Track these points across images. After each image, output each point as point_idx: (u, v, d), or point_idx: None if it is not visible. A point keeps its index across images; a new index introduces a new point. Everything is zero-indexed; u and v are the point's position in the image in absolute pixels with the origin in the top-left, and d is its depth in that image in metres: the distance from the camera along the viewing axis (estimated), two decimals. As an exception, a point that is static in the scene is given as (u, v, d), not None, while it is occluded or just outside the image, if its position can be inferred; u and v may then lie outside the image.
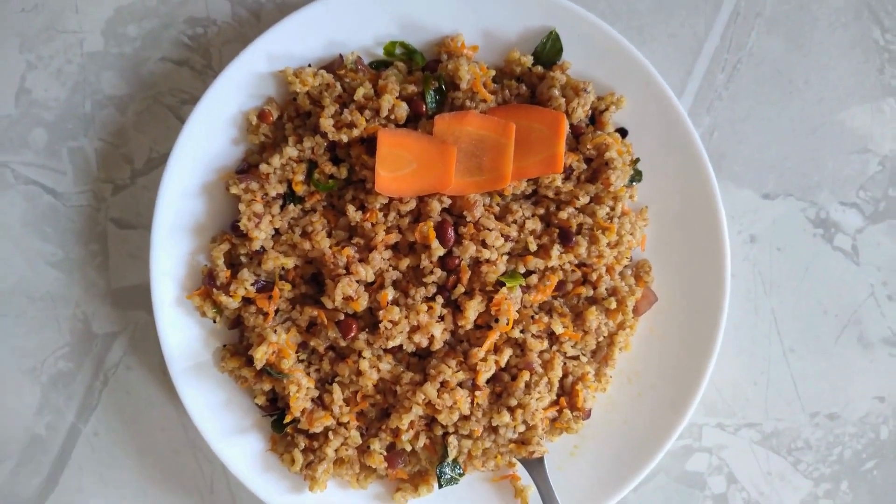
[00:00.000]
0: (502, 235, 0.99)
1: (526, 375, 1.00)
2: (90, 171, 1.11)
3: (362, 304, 0.98)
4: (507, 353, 1.01)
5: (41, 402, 1.10)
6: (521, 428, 1.01)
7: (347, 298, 0.97)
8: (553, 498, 1.00)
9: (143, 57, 1.11)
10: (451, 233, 0.98)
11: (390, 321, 0.97)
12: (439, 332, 0.99)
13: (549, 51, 1.04)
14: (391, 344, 0.97)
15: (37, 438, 1.10)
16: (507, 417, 0.99)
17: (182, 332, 1.02)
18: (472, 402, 1.00)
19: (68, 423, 1.11)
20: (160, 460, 1.10)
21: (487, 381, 1.01)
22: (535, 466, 1.03)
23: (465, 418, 1.00)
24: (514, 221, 1.00)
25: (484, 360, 0.99)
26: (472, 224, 0.99)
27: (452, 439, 1.01)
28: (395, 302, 0.99)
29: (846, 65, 1.15)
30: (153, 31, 1.11)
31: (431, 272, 0.99)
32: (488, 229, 0.98)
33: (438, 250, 0.98)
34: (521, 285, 1.00)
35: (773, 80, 1.15)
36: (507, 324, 0.99)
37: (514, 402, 1.00)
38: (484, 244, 0.98)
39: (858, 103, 1.15)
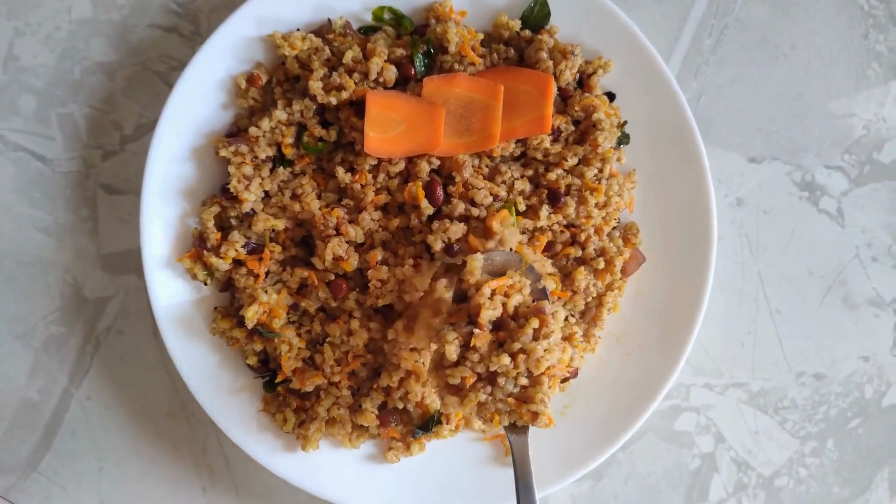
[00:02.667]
0: (491, 194, 0.99)
1: (535, 322, 0.90)
2: (79, 138, 1.11)
3: (352, 264, 0.99)
4: (517, 297, 0.93)
5: (33, 367, 1.11)
6: (524, 380, 0.90)
7: (337, 259, 0.98)
8: (528, 471, 0.94)
9: (131, 23, 1.11)
10: (439, 192, 0.99)
11: (379, 280, 0.98)
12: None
13: (536, 15, 1.05)
14: (381, 303, 0.98)
15: (29, 403, 1.11)
16: (506, 360, 0.89)
17: (173, 295, 1.02)
18: (467, 345, 0.91)
19: (61, 387, 1.11)
20: (153, 423, 1.11)
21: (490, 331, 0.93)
22: (519, 431, 0.96)
23: (455, 364, 0.92)
24: (503, 182, 1.01)
25: (490, 298, 0.92)
26: (461, 183, 0.99)
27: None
28: (385, 262, 1.00)
29: (832, 30, 1.16)
30: (141, -2, 1.11)
31: (420, 231, 1.00)
32: (477, 188, 0.99)
33: (428, 209, 0.98)
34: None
35: (760, 45, 1.16)
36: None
37: (517, 347, 0.89)
38: (473, 203, 0.99)
39: (844, 68, 1.16)
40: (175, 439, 1.11)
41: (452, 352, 0.90)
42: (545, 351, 0.89)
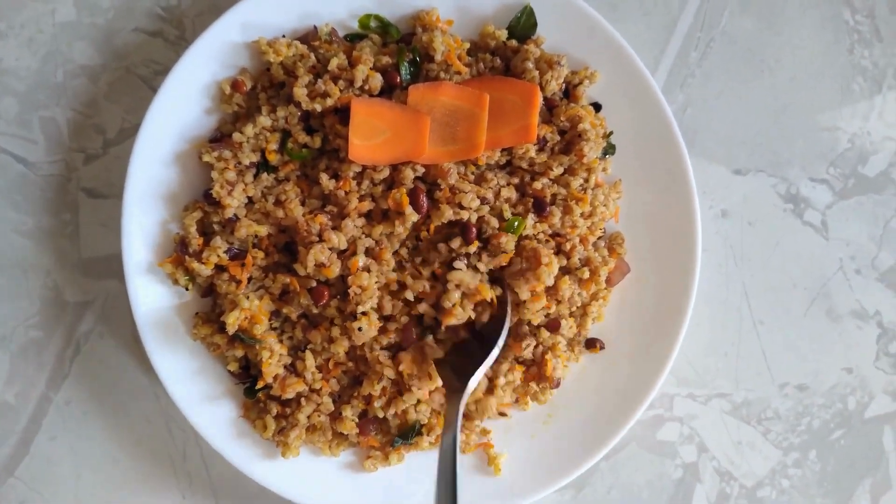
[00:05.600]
0: (478, 197, 0.99)
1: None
2: (62, 141, 1.10)
3: (334, 270, 0.98)
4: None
5: (11, 371, 1.09)
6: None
7: (320, 265, 0.98)
8: (455, 428, 0.92)
9: (115, 27, 1.10)
10: (423, 199, 0.99)
11: (359, 286, 0.97)
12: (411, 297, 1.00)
13: (523, 25, 1.05)
14: (361, 310, 0.98)
15: (6, 406, 1.09)
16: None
17: (154, 300, 1.02)
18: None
19: (39, 391, 1.10)
20: (132, 429, 1.10)
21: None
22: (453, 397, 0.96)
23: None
24: (490, 189, 1.01)
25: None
26: (448, 188, 0.99)
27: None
28: (367, 269, 0.99)
29: (817, 44, 1.17)
30: (127, 2, 1.10)
31: (405, 240, 1.00)
32: (464, 192, 0.99)
33: (412, 216, 0.98)
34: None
35: (746, 58, 1.16)
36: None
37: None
38: (461, 206, 0.99)
39: (829, 82, 1.17)
40: (154, 445, 1.10)
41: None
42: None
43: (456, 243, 0.99)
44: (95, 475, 1.10)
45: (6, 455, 1.09)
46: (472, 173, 1.02)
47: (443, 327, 1.00)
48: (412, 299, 1.01)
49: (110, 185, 1.10)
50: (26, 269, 1.09)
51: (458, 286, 0.98)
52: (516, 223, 1.00)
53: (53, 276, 1.09)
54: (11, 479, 1.09)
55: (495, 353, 0.99)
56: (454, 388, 0.97)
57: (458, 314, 0.98)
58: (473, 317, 0.99)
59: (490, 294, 0.99)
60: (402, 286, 1.01)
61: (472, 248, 0.99)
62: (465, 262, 1.00)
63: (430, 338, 1.02)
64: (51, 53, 1.10)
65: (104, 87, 1.10)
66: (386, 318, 1.02)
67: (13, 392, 1.09)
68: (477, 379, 0.97)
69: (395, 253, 1.01)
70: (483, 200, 1.00)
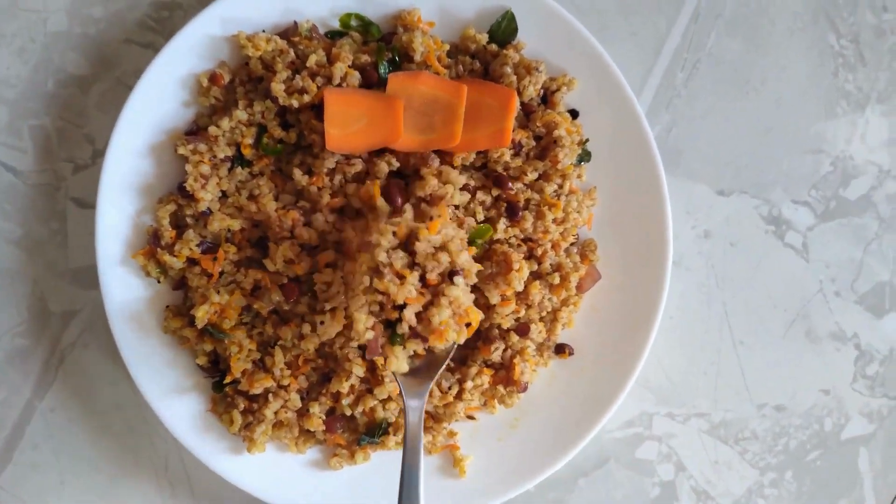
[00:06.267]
0: (461, 189, 1.01)
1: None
2: (51, 150, 1.11)
3: (304, 267, 0.99)
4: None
5: (-4, 379, 1.10)
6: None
7: (289, 262, 0.99)
8: (418, 448, 0.94)
9: (107, 38, 1.11)
10: (397, 192, 0.99)
11: (325, 283, 0.98)
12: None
13: (504, 30, 1.06)
14: (329, 306, 0.98)
15: (-9, 415, 1.11)
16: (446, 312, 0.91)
17: (126, 291, 1.02)
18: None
19: (24, 399, 1.11)
20: (116, 438, 1.11)
21: None
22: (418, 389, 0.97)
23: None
24: (466, 188, 1.02)
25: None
26: (434, 168, 1.00)
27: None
28: (333, 264, 1.00)
29: (802, 67, 1.18)
30: (118, 13, 1.11)
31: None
32: (448, 172, 1.00)
33: (384, 209, 0.99)
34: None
35: (731, 79, 1.17)
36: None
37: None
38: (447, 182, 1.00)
39: (813, 105, 1.18)
40: (137, 455, 1.11)
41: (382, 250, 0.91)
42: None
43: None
44: (78, 482, 1.10)
45: (-10, 461, 1.11)
46: (451, 169, 1.03)
47: (425, 347, 0.94)
48: (391, 305, 0.92)
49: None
50: (14, 278, 1.10)
51: (450, 303, 0.93)
52: (481, 232, 1.01)
53: (41, 285, 1.10)
54: (-5, 484, 1.10)
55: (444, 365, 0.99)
56: (413, 394, 0.98)
57: (448, 335, 0.92)
58: (459, 343, 0.94)
59: (476, 319, 0.95)
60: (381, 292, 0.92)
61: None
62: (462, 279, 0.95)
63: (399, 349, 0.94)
64: (42, 63, 1.10)
65: (94, 98, 1.11)
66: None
67: (-2, 399, 1.11)
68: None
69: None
70: (465, 187, 1.01)
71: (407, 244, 0.93)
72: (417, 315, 0.91)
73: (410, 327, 0.91)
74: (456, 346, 0.97)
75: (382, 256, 0.90)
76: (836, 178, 1.18)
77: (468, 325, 0.94)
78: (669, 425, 1.15)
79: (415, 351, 0.94)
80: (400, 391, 0.98)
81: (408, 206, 0.99)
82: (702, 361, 1.16)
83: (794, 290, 1.17)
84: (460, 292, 0.92)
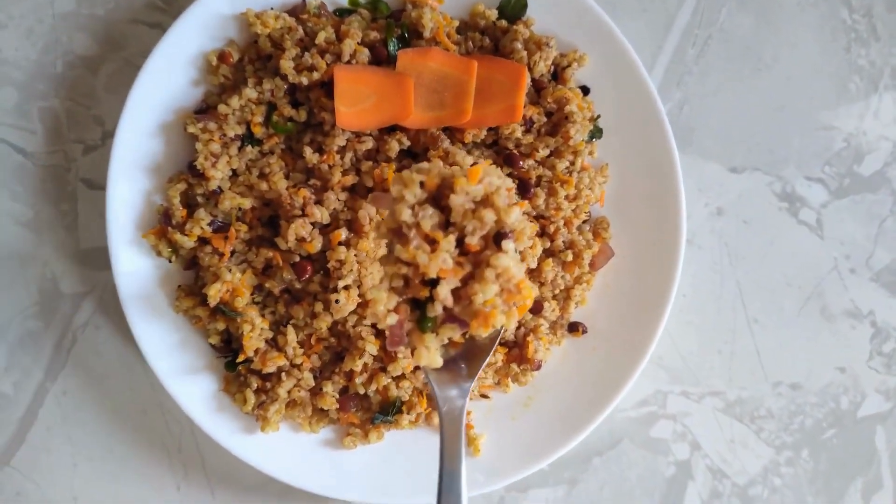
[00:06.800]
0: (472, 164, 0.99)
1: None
2: (60, 132, 1.10)
3: (316, 245, 0.98)
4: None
5: (8, 361, 1.10)
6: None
7: (301, 240, 0.98)
8: (459, 452, 0.79)
9: (114, 18, 1.10)
10: None
11: (338, 261, 0.97)
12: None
13: (513, 6, 1.05)
14: (342, 284, 0.97)
15: (3, 396, 1.10)
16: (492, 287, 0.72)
17: (137, 272, 1.02)
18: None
19: (36, 381, 1.10)
20: (128, 420, 1.10)
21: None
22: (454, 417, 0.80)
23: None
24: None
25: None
26: (442, 149, 0.99)
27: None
28: (346, 243, 0.99)
29: (814, 43, 1.17)
30: (127, -7, 1.11)
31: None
32: (456, 154, 0.99)
33: None
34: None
35: (743, 56, 1.16)
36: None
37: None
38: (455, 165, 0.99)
39: (825, 81, 1.17)
40: (150, 436, 1.10)
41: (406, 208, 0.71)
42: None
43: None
44: (91, 465, 1.10)
45: (2, 444, 1.10)
46: (459, 149, 1.02)
47: (467, 335, 0.75)
48: (419, 279, 0.73)
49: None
50: (25, 260, 1.10)
51: (498, 276, 0.72)
52: None
53: (51, 267, 1.10)
54: (7, 468, 1.10)
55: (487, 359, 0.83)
56: (447, 396, 0.81)
57: (495, 319, 0.71)
58: (508, 330, 0.76)
59: (531, 296, 0.74)
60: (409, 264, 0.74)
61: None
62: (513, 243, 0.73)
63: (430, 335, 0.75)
64: (50, 44, 1.10)
65: (103, 78, 1.10)
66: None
67: (10, 382, 1.10)
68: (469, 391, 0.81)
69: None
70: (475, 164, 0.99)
71: (439, 198, 0.73)
72: (454, 292, 0.71)
73: (445, 308, 0.70)
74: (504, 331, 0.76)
75: (406, 214, 0.71)
76: (849, 155, 1.17)
77: (519, 304, 0.74)
78: (684, 404, 1.15)
79: (449, 339, 0.74)
80: (431, 388, 0.78)
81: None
82: (716, 340, 1.15)
83: (809, 268, 1.16)
84: (510, 261, 0.71)
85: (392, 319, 0.71)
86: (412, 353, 0.73)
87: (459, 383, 0.80)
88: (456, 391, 0.79)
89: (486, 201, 0.71)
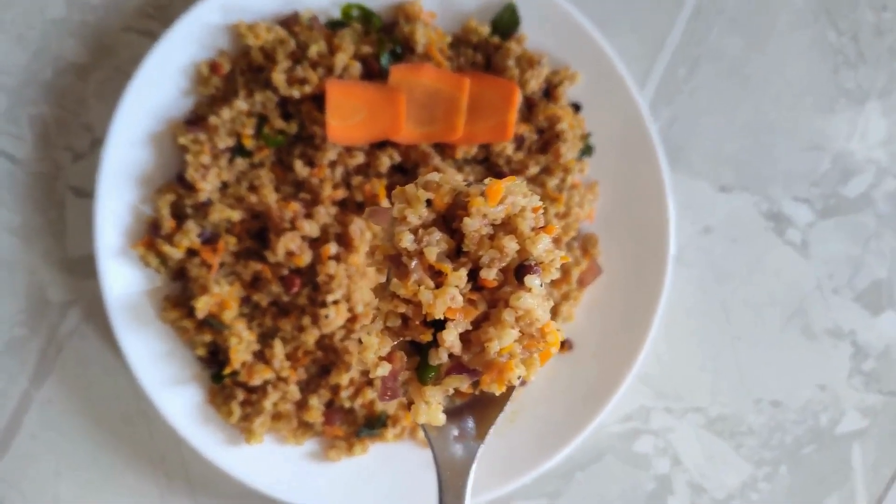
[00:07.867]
0: (463, 181, 1.00)
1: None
2: (50, 139, 1.10)
3: (305, 259, 0.99)
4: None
5: (-7, 369, 1.10)
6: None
7: (290, 254, 0.98)
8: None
9: (105, 25, 1.10)
10: None
11: (327, 275, 0.98)
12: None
13: (506, 22, 1.06)
14: (331, 298, 0.98)
15: (-12, 405, 1.10)
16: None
17: (125, 282, 1.02)
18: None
19: (21, 389, 1.10)
20: (113, 429, 1.10)
21: None
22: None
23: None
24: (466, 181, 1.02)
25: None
26: (433, 167, 1.00)
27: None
28: (336, 257, 0.99)
29: (803, 65, 1.18)
30: (117, 0, 1.10)
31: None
32: (446, 171, 1.00)
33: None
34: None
35: (732, 76, 1.17)
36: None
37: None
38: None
39: (813, 102, 1.18)
40: (135, 446, 1.10)
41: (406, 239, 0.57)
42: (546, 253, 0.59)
43: None
44: (75, 474, 1.10)
45: (-13, 451, 1.10)
46: (450, 166, 1.03)
47: (475, 389, 0.60)
48: (420, 320, 0.59)
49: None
50: (11, 267, 1.09)
51: (518, 319, 0.58)
52: None
53: (39, 275, 1.10)
54: (-9, 474, 1.10)
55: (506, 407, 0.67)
56: (452, 454, 0.65)
57: (512, 372, 0.57)
58: (520, 383, 0.60)
59: (557, 343, 0.60)
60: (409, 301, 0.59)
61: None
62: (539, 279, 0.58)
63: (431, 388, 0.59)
64: (40, 50, 1.09)
65: (93, 86, 1.10)
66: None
67: (-5, 389, 1.10)
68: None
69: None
70: (465, 182, 1.00)
71: (449, 219, 0.59)
72: (463, 336, 0.58)
73: (451, 356, 0.57)
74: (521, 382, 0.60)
75: (408, 241, 0.57)
76: (835, 176, 1.19)
77: (541, 350, 0.59)
78: (667, 419, 1.16)
79: (455, 388, 0.59)
80: (430, 448, 0.64)
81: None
82: (700, 356, 1.16)
83: (793, 287, 1.18)
84: (534, 301, 0.57)
85: (384, 370, 0.57)
86: (409, 408, 0.59)
87: (466, 441, 0.64)
88: (461, 451, 0.64)
89: (506, 225, 0.58)
